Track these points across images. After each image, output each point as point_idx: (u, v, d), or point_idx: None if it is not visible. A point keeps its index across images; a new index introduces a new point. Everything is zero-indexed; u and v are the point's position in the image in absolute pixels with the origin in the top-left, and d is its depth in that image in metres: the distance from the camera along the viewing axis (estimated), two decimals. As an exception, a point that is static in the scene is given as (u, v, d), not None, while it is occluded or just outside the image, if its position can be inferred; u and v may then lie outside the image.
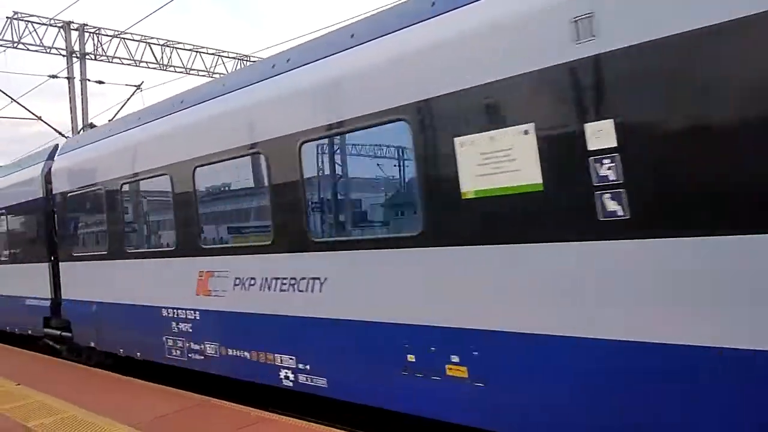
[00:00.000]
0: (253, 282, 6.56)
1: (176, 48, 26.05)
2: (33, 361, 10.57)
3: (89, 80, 23.75)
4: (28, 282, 11.67)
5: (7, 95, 20.19)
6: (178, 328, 7.70)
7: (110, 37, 24.37)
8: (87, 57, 23.83)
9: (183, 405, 6.85)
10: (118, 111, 22.19)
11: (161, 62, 25.72)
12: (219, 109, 7.11)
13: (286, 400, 6.83)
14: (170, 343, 7.88)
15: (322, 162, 6.14)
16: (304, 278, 5.95)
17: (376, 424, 6.00)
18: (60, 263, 10.61)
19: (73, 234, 10.43)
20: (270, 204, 6.39)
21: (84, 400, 7.29)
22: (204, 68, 26.52)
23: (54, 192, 10.76)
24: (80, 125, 22.52)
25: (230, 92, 7.06)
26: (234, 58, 27.55)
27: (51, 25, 23.01)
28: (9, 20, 22.16)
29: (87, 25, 23.82)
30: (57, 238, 10.76)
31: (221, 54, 27.23)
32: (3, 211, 12.93)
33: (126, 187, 8.82)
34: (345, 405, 5.80)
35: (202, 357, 7.37)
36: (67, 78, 23.28)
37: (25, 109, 21.22)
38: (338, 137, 5.91)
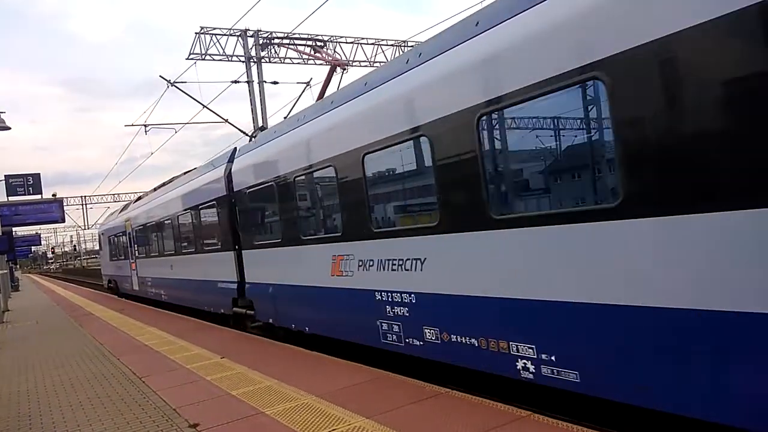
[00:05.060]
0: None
1: (339, 42, 27.30)
2: (231, 337, 11.84)
3: (266, 82, 25.87)
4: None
5: (199, 102, 22.69)
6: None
7: (281, 39, 26.24)
8: (262, 60, 25.94)
9: (362, 378, 7.18)
10: (292, 108, 23.87)
11: (326, 58, 27.12)
12: None
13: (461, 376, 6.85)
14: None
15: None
16: None
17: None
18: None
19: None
20: None
21: (273, 372, 7.99)
22: (365, 58, 27.48)
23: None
24: (260, 124, 24.61)
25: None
26: (393, 45, 28.13)
27: (231, 35, 25.35)
28: (197, 35, 24.81)
29: (261, 31, 25.88)
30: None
31: (380, 43, 27.99)
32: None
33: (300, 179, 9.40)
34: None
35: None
36: (247, 82, 25.51)
37: (214, 113, 23.68)
38: None
